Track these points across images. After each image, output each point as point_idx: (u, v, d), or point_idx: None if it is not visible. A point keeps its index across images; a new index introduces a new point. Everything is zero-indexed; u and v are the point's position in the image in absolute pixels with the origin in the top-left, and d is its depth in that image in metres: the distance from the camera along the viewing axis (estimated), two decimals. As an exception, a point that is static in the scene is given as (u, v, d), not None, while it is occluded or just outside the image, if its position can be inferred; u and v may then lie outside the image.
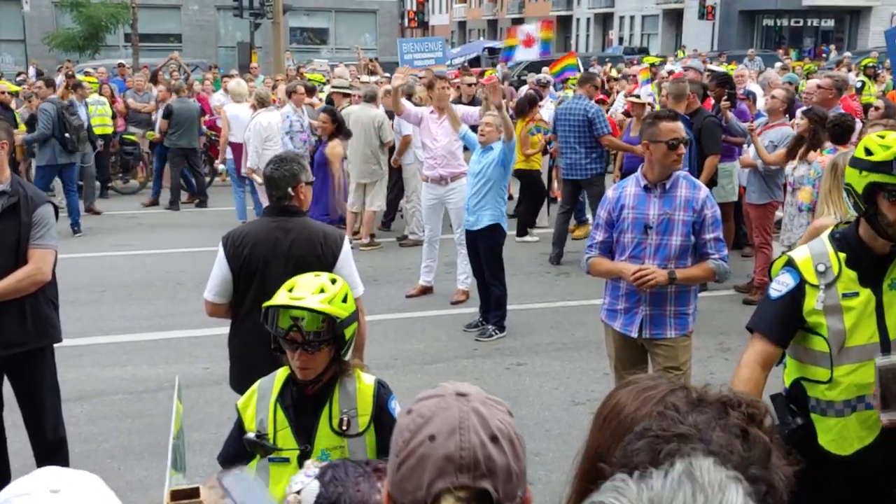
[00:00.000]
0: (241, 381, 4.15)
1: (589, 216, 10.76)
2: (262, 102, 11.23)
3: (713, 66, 13.94)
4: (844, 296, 2.91)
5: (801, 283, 2.94)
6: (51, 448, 4.62)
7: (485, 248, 7.61)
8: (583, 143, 9.70)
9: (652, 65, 20.09)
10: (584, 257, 4.82)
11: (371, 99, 10.82)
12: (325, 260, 3.97)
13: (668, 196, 4.48)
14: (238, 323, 4.14)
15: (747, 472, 1.26)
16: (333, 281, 2.86)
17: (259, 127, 10.78)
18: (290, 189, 4.10)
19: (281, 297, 2.80)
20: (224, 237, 4.13)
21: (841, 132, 6.98)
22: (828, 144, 7.17)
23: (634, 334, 4.61)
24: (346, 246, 4.10)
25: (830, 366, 2.95)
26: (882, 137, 2.88)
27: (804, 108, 8.14)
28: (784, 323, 2.99)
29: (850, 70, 18.94)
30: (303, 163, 4.25)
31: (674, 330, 4.59)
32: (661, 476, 1.04)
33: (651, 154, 4.51)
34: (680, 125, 4.55)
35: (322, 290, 2.79)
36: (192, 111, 13.60)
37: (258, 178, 10.75)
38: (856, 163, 2.92)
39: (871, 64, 17.35)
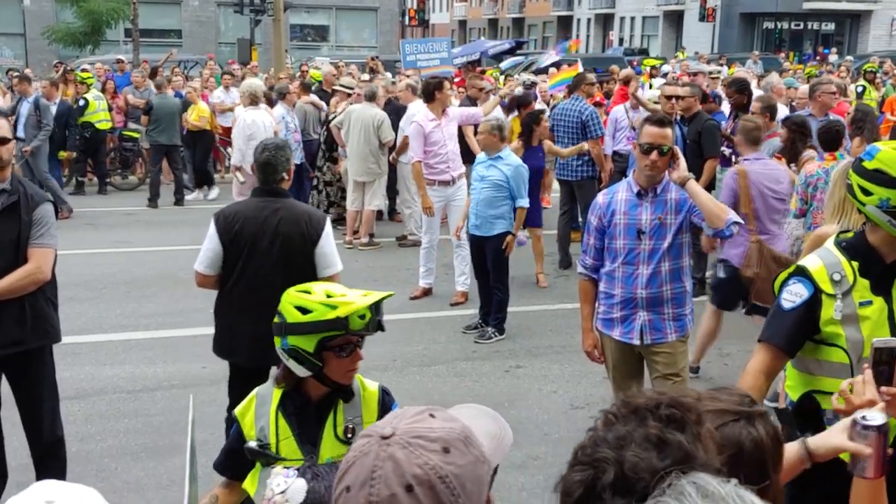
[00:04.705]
0: (222, 344, 4.62)
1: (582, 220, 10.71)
2: (252, 100, 10.75)
3: (710, 68, 13.91)
4: (861, 304, 2.86)
5: (817, 293, 2.89)
6: (48, 448, 4.60)
7: (493, 251, 7.53)
8: (575, 144, 9.65)
9: (653, 67, 20.07)
10: (580, 263, 4.80)
11: (371, 98, 10.78)
12: (309, 238, 4.35)
13: (659, 200, 4.43)
14: (226, 292, 4.51)
15: (664, 482, 1.27)
16: None
17: (244, 124, 10.46)
18: (284, 173, 4.50)
19: (355, 300, 2.62)
20: (216, 214, 4.52)
21: (828, 139, 6.58)
22: (811, 153, 6.78)
23: (636, 341, 4.56)
24: (329, 226, 4.46)
25: (852, 376, 2.91)
26: None
27: (783, 117, 7.93)
28: (798, 333, 2.94)
29: (849, 73, 18.95)
30: (290, 149, 4.82)
31: (674, 332, 4.56)
32: None
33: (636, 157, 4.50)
34: (663, 132, 4.33)
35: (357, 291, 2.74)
36: (173, 107, 13.29)
37: (240, 177, 10.47)
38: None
39: (871, 69, 17.35)
